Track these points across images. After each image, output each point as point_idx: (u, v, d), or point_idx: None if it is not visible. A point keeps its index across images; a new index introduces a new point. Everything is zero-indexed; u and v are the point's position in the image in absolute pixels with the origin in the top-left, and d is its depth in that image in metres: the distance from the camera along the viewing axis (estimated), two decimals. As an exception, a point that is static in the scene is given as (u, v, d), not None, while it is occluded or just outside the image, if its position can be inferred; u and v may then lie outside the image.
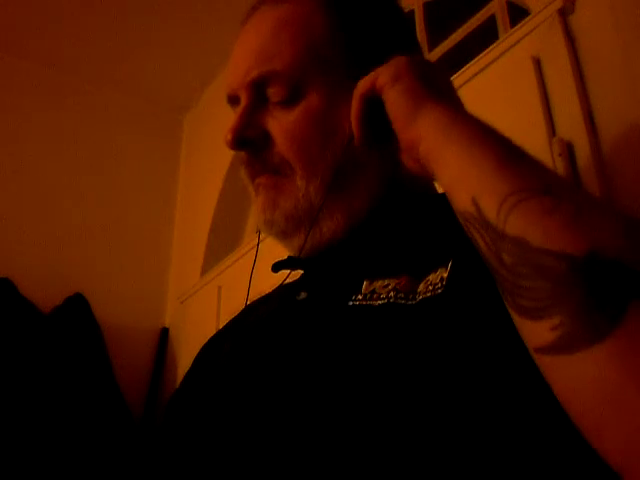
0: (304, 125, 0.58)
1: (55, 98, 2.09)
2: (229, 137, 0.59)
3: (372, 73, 0.53)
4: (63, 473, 1.36)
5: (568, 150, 0.84)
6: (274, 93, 0.58)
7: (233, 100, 0.63)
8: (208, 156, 2.11)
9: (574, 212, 0.35)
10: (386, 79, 0.51)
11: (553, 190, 0.37)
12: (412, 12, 1.50)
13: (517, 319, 0.36)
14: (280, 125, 0.58)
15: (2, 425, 1.36)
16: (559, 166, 0.83)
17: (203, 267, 1.91)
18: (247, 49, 0.61)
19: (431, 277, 0.48)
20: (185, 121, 2.37)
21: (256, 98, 0.60)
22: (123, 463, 1.36)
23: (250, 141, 0.60)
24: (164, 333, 1.96)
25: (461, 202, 0.42)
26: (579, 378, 0.32)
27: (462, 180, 0.42)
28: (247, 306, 0.71)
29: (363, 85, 0.54)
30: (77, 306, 1.77)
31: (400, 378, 0.42)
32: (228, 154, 1.96)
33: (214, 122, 2.16)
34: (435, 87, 0.51)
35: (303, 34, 0.59)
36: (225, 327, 0.71)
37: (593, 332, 0.31)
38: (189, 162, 2.27)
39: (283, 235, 0.60)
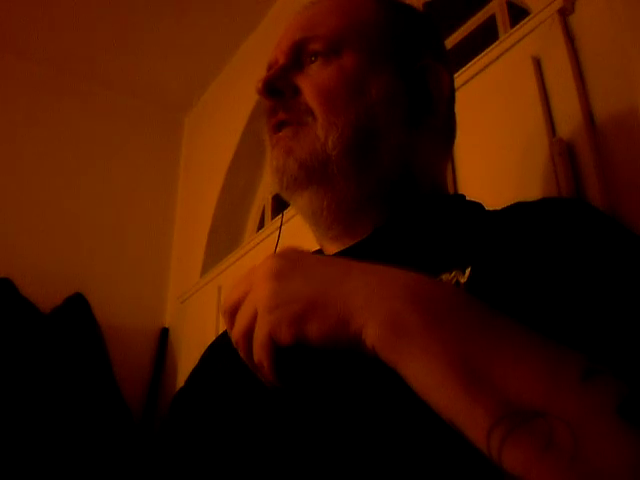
0: (334, 80, 0.60)
1: (55, 98, 2.09)
2: (259, 85, 0.61)
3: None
4: (63, 473, 1.36)
5: (568, 150, 0.84)
6: (311, 50, 0.62)
7: (270, 68, 0.66)
8: (208, 156, 2.11)
9: (571, 443, 0.31)
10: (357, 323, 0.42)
11: (535, 402, 0.32)
12: (412, 12, 1.50)
13: None
14: (311, 79, 0.61)
15: (2, 425, 1.36)
16: (559, 166, 0.83)
17: (203, 267, 1.91)
18: (296, 24, 0.65)
19: (444, 277, 0.48)
20: (185, 121, 2.37)
21: (294, 60, 0.63)
22: (123, 463, 1.36)
23: (279, 91, 0.61)
24: (164, 333, 1.96)
25: (444, 418, 0.36)
26: None
27: (429, 398, 0.36)
28: None
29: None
30: (77, 306, 1.77)
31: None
32: (228, 154, 1.96)
33: (214, 122, 2.16)
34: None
35: (352, 12, 0.64)
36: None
37: None
38: (189, 162, 2.27)
39: (294, 185, 0.60)
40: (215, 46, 2.05)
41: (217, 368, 0.64)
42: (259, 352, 0.42)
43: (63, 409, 1.47)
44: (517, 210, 0.54)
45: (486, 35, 1.22)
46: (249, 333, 0.44)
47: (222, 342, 0.70)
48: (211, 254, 1.92)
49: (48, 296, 1.72)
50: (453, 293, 0.40)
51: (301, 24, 0.64)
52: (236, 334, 0.45)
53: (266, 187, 1.95)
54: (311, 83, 0.60)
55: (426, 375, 0.36)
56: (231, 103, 2.04)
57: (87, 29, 1.98)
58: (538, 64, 0.93)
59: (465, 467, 0.38)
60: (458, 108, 0.71)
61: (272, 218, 1.82)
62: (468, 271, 0.47)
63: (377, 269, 0.42)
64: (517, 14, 1.15)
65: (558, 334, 0.37)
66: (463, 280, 0.46)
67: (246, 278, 0.46)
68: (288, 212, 1.38)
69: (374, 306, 0.39)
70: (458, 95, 0.72)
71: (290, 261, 0.44)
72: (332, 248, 0.62)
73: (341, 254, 0.59)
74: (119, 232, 2.04)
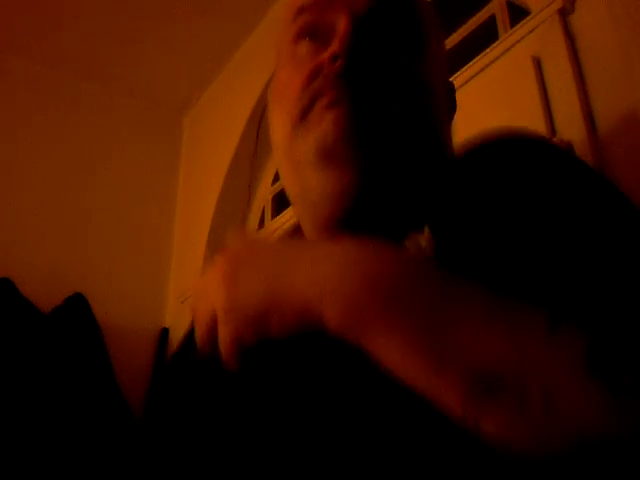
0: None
1: (55, 98, 2.09)
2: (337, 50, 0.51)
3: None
4: (63, 473, 1.36)
5: (568, 150, 0.84)
6: (390, 33, 0.54)
7: (313, 31, 0.56)
8: (208, 156, 2.11)
9: (543, 403, 0.31)
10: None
11: (509, 369, 0.33)
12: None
13: None
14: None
15: (2, 425, 1.36)
16: (559, 166, 0.83)
17: (203, 267, 1.91)
18: None
19: (407, 243, 0.47)
20: (185, 121, 2.37)
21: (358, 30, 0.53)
22: (123, 463, 1.36)
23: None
24: (164, 333, 1.96)
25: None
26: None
27: (399, 374, 0.36)
28: None
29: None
30: (77, 306, 1.77)
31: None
32: (228, 154, 1.96)
33: (214, 122, 2.16)
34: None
35: None
36: None
37: None
38: (189, 162, 2.27)
39: (344, 156, 0.51)
40: (215, 46, 2.05)
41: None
42: (226, 355, 0.42)
43: (63, 409, 1.47)
44: (473, 158, 0.52)
45: (486, 35, 1.22)
46: (210, 335, 0.43)
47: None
48: (211, 254, 1.92)
49: (48, 296, 1.72)
50: (410, 263, 0.40)
51: None
52: (199, 340, 0.45)
53: (266, 187, 1.95)
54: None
55: (392, 353, 0.36)
56: (231, 103, 2.04)
57: (87, 29, 1.98)
58: (538, 64, 0.93)
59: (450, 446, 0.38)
60: (458, 108, 0.71)
61: (272, 218, 1.82)
62: (426, 232, 0.46)
63: (327, 250, 0.41)
64: (517, 14, 1.15)
65: (518, 292, 0.36)
66: (424, 244, 0.46)
67: (203, 285, 0.45)
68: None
69: (330, 293, 0.38)
70: (458, 95, 0.72)
71: (238, 259, 0.44)
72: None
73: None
74: (119, 232, 2.04)
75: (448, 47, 1.34)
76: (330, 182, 0.51)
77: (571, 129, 0.85)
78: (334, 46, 0.52)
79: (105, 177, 2.09)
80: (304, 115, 0.53)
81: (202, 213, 2.00)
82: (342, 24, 0.53)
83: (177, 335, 1.92)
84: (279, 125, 0.57)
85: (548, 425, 0.31)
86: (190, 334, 0.70)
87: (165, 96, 2.26)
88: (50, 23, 1.95)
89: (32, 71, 2.07)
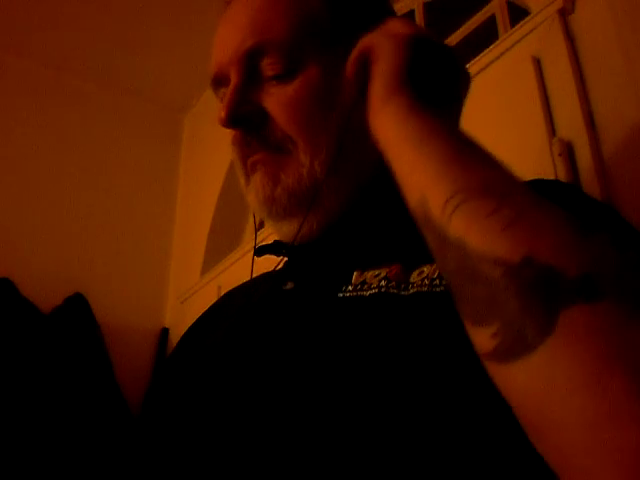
0: (304, 97, 0.54)
1: (55, 98, 2.09)
2: (223, 114, 0.55)
3: (373, 36, 0.50)
4: (63, 473, 1.36)
5: (568, 150, 0.84)
6: (270, 65, 0.55)
7: (219, 82, 0.59)
8: (208, 156, 2.11)
9: (514, 216, 0.33)
10: (376, 54, 0.49)
11: (497, 191, 0.35)
12: (412, 12, 1.50)
13: (464, 323, 0.35)
14: (278, 99, 0.55)
15: (2, 425, 1.36)
16: (559, 166, 0.83)
17: (203, 267, 1.91)
18: (237, 24, 0.57)
19: (426, 269, 0.46)
20: (185, 121, 2.37)
21: (249, 73, 0.56)
22: (123, 462, 1.36)
23: (246, 118, 0.56)
24: (164, 333, 1.96)
25: (411, 201, 0.40)
26: (513, 387, 0.31)
27: (410, 178, 0.40)
28: (228, 293, 0.70)
29: (362, 45, 0.51)
30: (77, 306, 1.77)
31: (394, 374, 0.42)
32: (228, 154, 1.96)
33: (214, 122, 2.15)
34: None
35: (297, 3, 0.57)
36: (206, 314, 0.69)
37: (525, 342, 0.30)
38: (189, 162, 2.27)
39: (283, 215, 0.56)
40: (215, 46, 2.05)
41: (197, 361, 0.61)
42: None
43: (63, 409, 1.47)
44: None
45: (486, 35, 1.22)
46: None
47: (199, 331, 0.68)
48: (211, 254, 1.92)
49: (48, 296, 1.72)
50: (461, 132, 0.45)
51: (245, 25, 0.56)
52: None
53: (266, 187, 1.95)
54: (280, 104, 0.55)
55: (418, 151, 0.40)
56: (231, 103, 2.04)
57: (87, 29, 1.98)
58: (538, 64, 0.93)
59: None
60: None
61: (272, 218, 1.82)
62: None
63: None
64: (517, 14, 1.15)
65: None
66: (434, 275, 0.46)
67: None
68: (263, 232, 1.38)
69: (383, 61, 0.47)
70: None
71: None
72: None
73: (308, 243, 0.58)
74: (119, 232, 2.04)
75: (448, 47, 1.34)
76: (281, 232, 0.58)
77: (571, 129, 0.85)
78: (222, 111, 0.56)
79: (105, 177, 2.09)
80: (247, 177, 0.59)
81: (202, 213, 2.00)
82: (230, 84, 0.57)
83: (177, 335, 1.92)
84: (239, 176, 0.62)
85: (506, 233, 0.33)
86: (187, 331, 0.70)
87: (165, 96, 2.26)
88: (50, 23, 1.95)
89: (32, 71, 2.07)
